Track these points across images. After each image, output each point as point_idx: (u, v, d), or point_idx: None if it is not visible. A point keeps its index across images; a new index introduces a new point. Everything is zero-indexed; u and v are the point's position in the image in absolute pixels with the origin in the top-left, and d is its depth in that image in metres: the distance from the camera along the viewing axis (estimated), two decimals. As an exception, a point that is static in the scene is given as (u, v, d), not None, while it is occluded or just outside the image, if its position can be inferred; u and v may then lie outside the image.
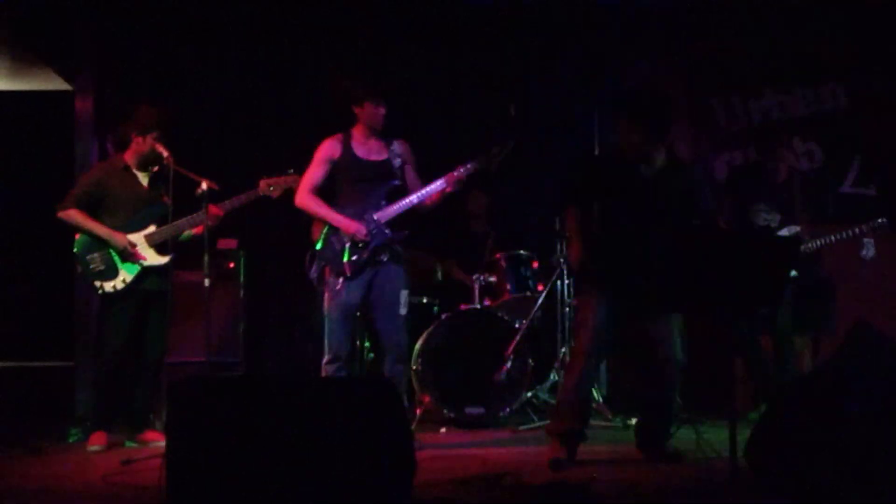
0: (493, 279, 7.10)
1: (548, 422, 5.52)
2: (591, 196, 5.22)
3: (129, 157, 6.06)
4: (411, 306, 7.00)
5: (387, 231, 5.72)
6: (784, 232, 6.58)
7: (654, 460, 5.16)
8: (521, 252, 7.20)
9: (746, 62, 8.18)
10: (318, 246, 5.76)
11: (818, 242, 6.50)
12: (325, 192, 5.85)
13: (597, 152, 8.03)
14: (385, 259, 5.75)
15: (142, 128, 5.98)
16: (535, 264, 7.19)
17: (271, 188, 6.00)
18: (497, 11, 7.89)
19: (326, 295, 5.75)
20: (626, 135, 5.09)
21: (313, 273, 5.77)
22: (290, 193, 5.96)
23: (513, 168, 7.87)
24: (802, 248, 6.40)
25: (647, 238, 4.79)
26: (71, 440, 6.25)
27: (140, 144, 6.00)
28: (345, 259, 5.67)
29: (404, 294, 5.79)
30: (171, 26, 7.73)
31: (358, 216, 5.71)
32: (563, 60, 8.11)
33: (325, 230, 5.75)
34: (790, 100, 8.18)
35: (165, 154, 5.87)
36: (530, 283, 7.13)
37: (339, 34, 7.90)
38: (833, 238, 6.49)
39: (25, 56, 8.15)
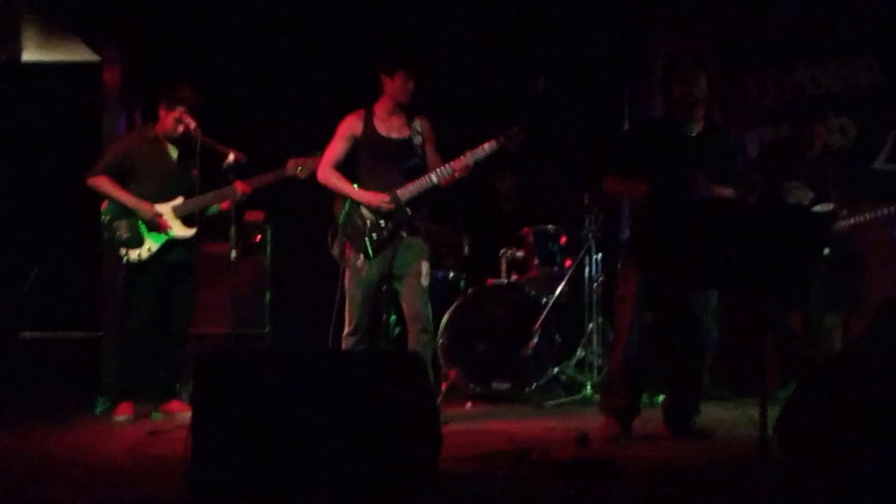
0: (520, 254, 7.05)
1: (599, 397, 5.52)
2: (636, 162, 5.15)
3: (158, 129, 6.05)
4: (438, 281, 7.02)
5: (407, 209, 5.69)
6: (817, 209, 6.49)
7: (681, 437, 5.13)
8: (549, 227, 7.14)
9: (779, 36, 8.07)
10: (341, 221, 5.73)
11: (851, 220, 6.41)
12: (345, 167, 5.82)
13: (626, 127, 7.99)
14: (405, 234, 5.72)
15: (170, 101, 5.96)
16: (563, 239, 7.13)
17: (299, 169, 5.97)
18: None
19: (347, 272, 5.74)
20: (689, 86, 5.05)
21: (335, 249, 5.75)
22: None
23: (541, 143, 7.89)
24: (836, 225, 6.31)
25: (690, 203, 4.82)
26: (98, 411, 6.27)
27: (167, 117, 5.98)
28: (366, 237, 5.64)
29: (425, 265, 5.78)
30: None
31: (380, 192, 5.68)
32: (592, 35, 8.02)
33: (346, 206, 5.73)
34: (823, 73, 8.06)
35: (193, 125, 5.85)
36: (557, 257, 7.08)
37: (370, 9, 7.84)
38: (867, 216, 6.40)
39: (54, 27, 8.14)
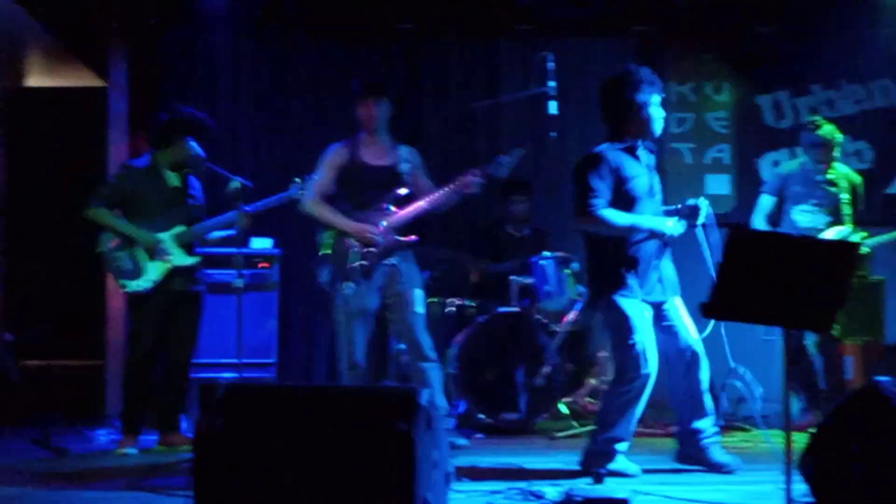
0: (531, 281, 6.93)
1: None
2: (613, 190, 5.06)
3: (160, 157, 5.95)
4: (448, 309, 6.89)
5: (396, 236, 5.59)
6: (830, 234, 6.38)
7: (697, 469, 5.00)
8: (561, 254, 7.01)
9: (794, 59, 7.98)
10: (327, 251, 5.64)
11: (873, 244, 6.30)
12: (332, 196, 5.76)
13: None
14: (395, 262, 5.62)
15: (172, 128, 5.87)
16: (575, 265, 6.99)
17: (302, 192, 5.86)
18: (530, 12, 7.71)
19: (335, 302, 5.62)
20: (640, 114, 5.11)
21: (325, 278, 5.64)
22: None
23: (553, 167, 7.79)
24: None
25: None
26: (100, 443, 6.15)
27: (170, 144, 5.88)
28: (354, 264, 5.54)
29: (419, 293, 5.70)
30: (205, 23, 7.63)
31: (368, 222, 5.60)
32: (605, 57, 7.92)
33: (332, 234, 5.65)
34: (839, 97, 7.97)
35: (197, 154, 5.76)
36: (569, 285, 6.94)
37: (375, 33, 7.76)
38: (886, 240, 6.29)
39: (58, 52, 8.09)
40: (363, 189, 5.66)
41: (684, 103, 8.10)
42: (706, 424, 5.06)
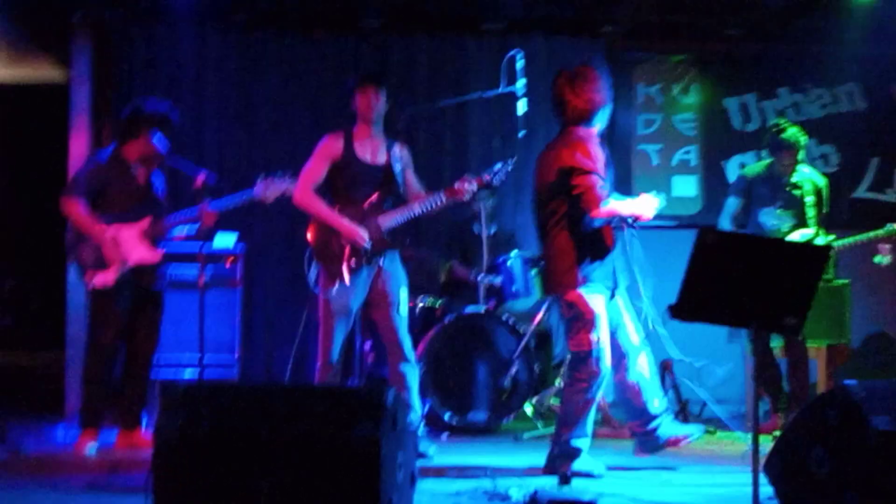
0: (497, 280, 6.89)
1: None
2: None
3: (128, 151, 5.86)
4: (415, 309, 6.85)
5: (387, 239, 5.54)
6: (795, 236, 6.40)
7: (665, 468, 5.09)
8: (528, 253, 6.98)
9: (761, 62, 8.01)
10: (316, 247, 5.57)
11: (837, 247, 6.32)
12: (321, 188, 5.66)
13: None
14: (382, 262, 5.56)
15: (138, 122, 5.78)
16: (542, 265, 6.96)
17: (266, 192, 5.76)
18: (499, 11, 7.68)
19: (321, 298, 5.56)
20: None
21: (312, 275, 5.58)
22: (285, 197, 5.76)
23: (520, 167, 7.76)
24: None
25: None
26: (59, 439, 6.06)
27: (135, 138, 5.79)
28: (343, 263, 5.47)
29: (404, 293, 5.63)
30: (170, 15, 7.53)
31: (358, 220, 5.52)
32: (573, 58, 7.90)
33: (322, 231, 5.55)
34: (806, 101, 8.01)
35: (161, 148, 5.68)
36: (537, 285, 6.91)
37: (342, 28, 7.70)
38: (850, 243, 6.31)
39: (20, 44, 7.97)
40: (355, 186, 5.57)
41: (652, 105, 8.10)
42: (654, 408, 5.09)
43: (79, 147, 7.29)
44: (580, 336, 4.99)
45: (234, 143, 7.58)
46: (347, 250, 5.49)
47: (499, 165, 5.58)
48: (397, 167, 5.62)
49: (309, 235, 5.61)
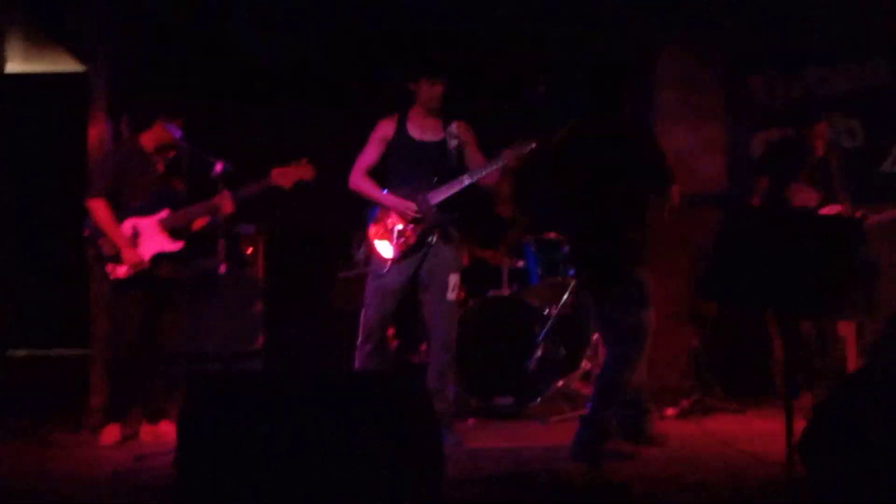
0: (521, 264, 6.83)
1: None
2: None
3: (145, 141, 5.84)
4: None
5: (437, 212, 5.49)
6: (823, 212, 6.31)
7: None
8: (552, 236, 6.92)
9: (787, 37, 7.89)
10: (369, 226, 5.59)
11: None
12: (377, 172, 5.69)
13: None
14: (433, 241, 5.52)
15: (155, 113, 5.76)
16: (566, 248, 6.90)
17: (281, 177, 5.75)
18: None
19: (369, 277, 5.57)
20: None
21: (360, 255, 5.58)
22: (302, 184, 5.76)
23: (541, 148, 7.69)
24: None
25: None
26: (84, 432, 6.04)
27: (153, 129, 5.78)
28: (392, 241, 5.48)
29: (454, 278, 5.58)
30: (186, 5, 7.50)
31: (410, 197, 5.51)
32: (596, 37, 7.82)
33: (375, 210, 5.60)
34: (832, 75, 7.88)
35: (180, 136, 5.65)
36: (560, 267, 6.85)
37: (358, 18, 7.65)
38: (883, 219, 6.22)
39: (39, 37, 7.96)
40: (409, 164, 5.56)
41: (674, 83, 7.99)
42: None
43: (97, 138, 7.28)
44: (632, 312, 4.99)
45: (251, 130, 7.55)
46: (397, 229, 5.49)
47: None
48: (452, 143, 5.59)
49: (366, 217, 5.64)
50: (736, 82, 7.94)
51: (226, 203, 5.60)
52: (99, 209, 5.70)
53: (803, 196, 6.40)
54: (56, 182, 6.03)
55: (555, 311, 6.45)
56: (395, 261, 5.49)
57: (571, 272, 6.70)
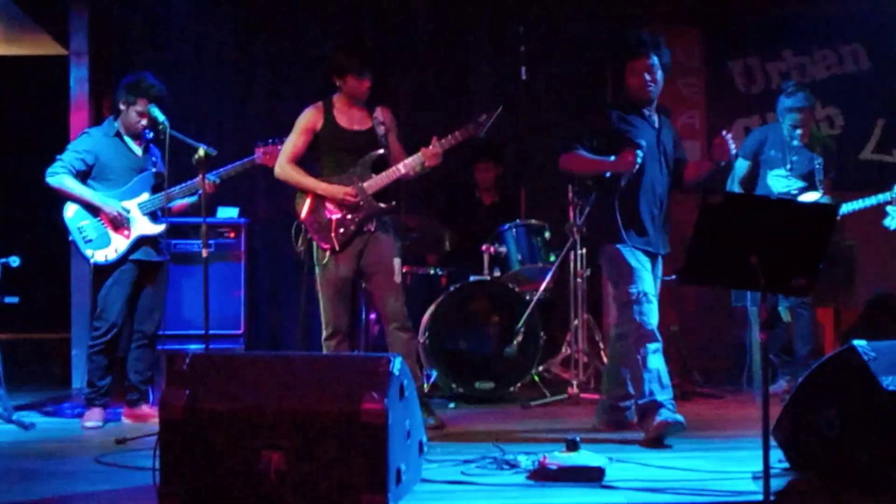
0: (503, 249, 6.86)
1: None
2: (606, 140, 5.16)
3: (122, 124, 5.83)
4: (419, 277, 6.82)
5: (375, 202, 5.48)
6: (805, 199, 6.34)
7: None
8: (533, 221, 6.94)
9: (765, 24, 7.93)
10: (304, 217, 5.52)
11: (844, 210, 6.27)
12: (306, 161, 5.63)
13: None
14: (373, 229, 5.51)
15: (132, 95, 5.74)
16: (547, 234, 6.94)
17: (266, 156, 5.76)
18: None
19: (317, 269, 5.54)
20: (649, 73, 5.13)
21: (301, 246, 5.54)
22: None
23: (523, 134, 7.71)
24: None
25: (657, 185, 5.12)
26: (65, 415, 6.05)
27: (130, 111, 5.76)
28: (332, 231, 5.44)
29: (397, 262, 5.57)
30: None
31: (344, 185, 5.48)
32: (576, 22, 7.85)
33: (309, 201, 5.52)
34: (810, 62, 7.93)
35: (160, 119, 5.63)
36: (541, 253, 6.88)
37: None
38: (860, 207, 6.26)
39: (18, 20, 7.91)
40: (340, 153, 5.53)
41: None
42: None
43: (79, 122, 7.26)
44: None
45: (232, 113, 7.55)
46: (335, 219, 5.46)
47: (483, 116, 5.50)
48: (380, 131, 5.56)
49: (298, 208, 5.56)
50: (716, 68, 7.99)
51: (208, 185, 5.59)
52: (64, 183, 5.68)
53: (785, 183, 6.43)
54: (37, 165, 5.99)
55: (535, 297, 6.49)
56: (335, 251, 5.47)
57: (552, 257, 6.73)
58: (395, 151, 5.60)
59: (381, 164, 5.54)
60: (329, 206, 5.48)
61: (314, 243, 5.52)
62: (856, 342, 3.89)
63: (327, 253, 5.46)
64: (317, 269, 5.53)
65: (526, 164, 7.79)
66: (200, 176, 5.41)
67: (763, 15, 7.92)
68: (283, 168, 5.57)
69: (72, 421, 5.90)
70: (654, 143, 5.19)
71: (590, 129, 5.24)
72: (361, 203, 5.45)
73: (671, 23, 7.98)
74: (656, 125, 5.25)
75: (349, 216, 5.47)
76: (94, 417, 5.73)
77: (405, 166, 5.47)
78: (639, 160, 4.97)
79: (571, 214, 6.67)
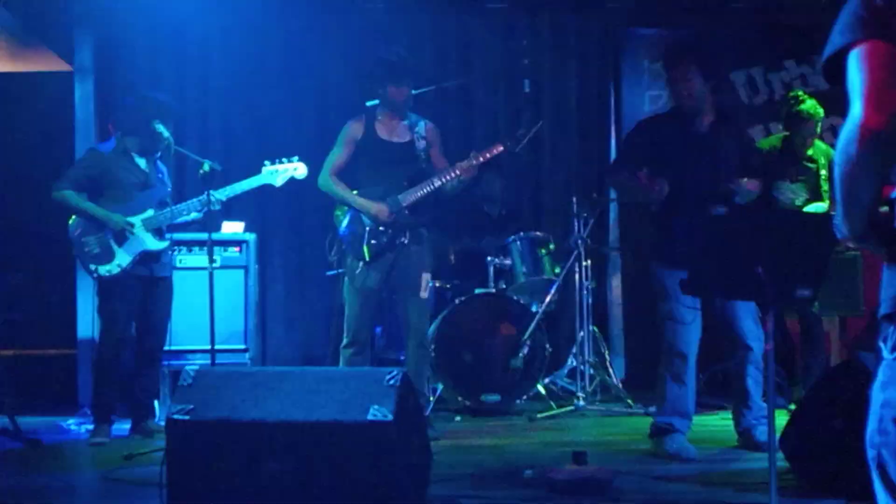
0: (507, 262, 6.86)
1: None
2: (645, 156, 5.07)
3: (129, 141, 5.84)
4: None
5: (409, 214, 5.52)
6: (811, 209, 6.34)
7: (743, 447, 5.04)
8: (538, 233, 6.95)
9: (768, 34, 7.93)
10: (340, 229, 5.60)
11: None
12: (347, 172, 5.69)
13: (612, 127, 7.88)
14: (406, 241, 5.54)
15: (140, 111, 5.75)
16: (552, 246, 6.94)
17: (275, 175, 5.79)
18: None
19: (346, 279, 5.59)
20: (682, 83, 5.01)
21: (333, 256, 5.60)
22: (293, 181, 5.84)
23: (527, 148, 7.71)
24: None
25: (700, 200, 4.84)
26: (72, 431, 6.06)
27: (139, 131, 5.77)
28: (364, 243, 5.47)
29: (426, 277, 5.62)
30: (173, 3, 7.50)
31: (380, 198, 5.52)
32: (576, 36, 7.86)
33: (347, 213, 5.59)
34: (813, 72, 7.93)
35: (165, 136, 5.66)
36: (546, 265, 6.88)
37: (348, 11, 7.65)
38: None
39: (23, 36, 7.93)
40: (379, 165, 5.57)
41: (658, 80, 8.03)
42: None
43: (84, 138, 7.27)
44: None
45: (239, 129, 7.56)
46: (368, 230, 5.51)
47: (522, 131, 5.54)
48: (420, 144, 5.61)
49: (336, 221, 5.64)
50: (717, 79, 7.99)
51: (213, 202, 5.61)
52: (68, 198, 5.70)
53: (790, 194, 6.42)
54: (42, 182, 6.02)
55: (541, 309, 6.49)
56: (368, 262, 5.50)
57: (557, 269, 6.73)
58: (438, 166, 5.64)
59: (419, 177, 5.58)
60: (364, 217, 5.53)
61: (347, 254, 5.58)
62: (862, 353, 3.89)
63: (360, 264, 5.49)
64: (346, 280, 5.57)
65: (530, 177, 7.80)
66: (206, 192, 5.44)
67: (765, 25, 7.92)
68: (326, 180, 5.62)
69: (79, 437, 5.91)
70: (695, 151, 5.05)
71: (627, 148, 5.21)
72: (396, 216, 5.49)
73: (673, 33, 7.99)
74: (703, 132, 5.10)
75: (381, 228, 5.52)
76: (100, 433, 5.73)
77: (439, 178, 5.50)
78: (663, 191, 4.90)
79: (576, 226, 6.68)
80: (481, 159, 5.49)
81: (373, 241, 5.50)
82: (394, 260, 5.54)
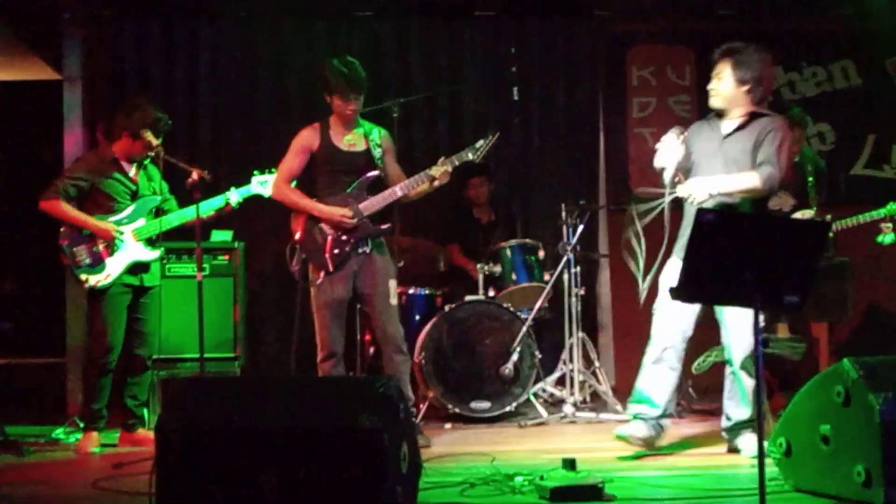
0: (497, 269, 6.87)
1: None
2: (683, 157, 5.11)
3: (118, 150, 5.83)
4: (414, 298, 6.83)
5: (370, 223, 5.50)
6: (797, 216, 6.36)
7: (733, 452, 5.09)
8: (527, 240, 6.96)
9: (755, 41, 7.95)
10: (299, 238, 5.54)
11: (838, 226, 6.30)
12: (302, 181, 5.67)
13: (601, 134, 7.92)
14: (368, 250, 5.52)
15: (130, 120, 5.74)
16: (542, 253, 6.95)
17: (263, 185, 5.80)
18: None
19: (312, 291, 5.55)
20: (714, 80, 5.11)
21: (294, 267, 5.55)
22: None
23: (516, 154, 7.74)
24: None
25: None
26: (61, 441, 6.03)
27: (127, 136, 5.76)
28: (326, 252, 5.45)
29: (392, 284, 5.59)
30: (162, 11, 7.50)
31: (340, 206, 5.49)
32: (565, 44, 7.89)
33: (305, 222, 5.54)
34: (800, 79, 7.97)
35: (155, 144, 5.65)
36: (536, 272, 6.89)
37: (337, 17, 7.66)
38: (852, 222, 6.29)
39: (12, 44, 7.94)
40: (336, 175, 5.54)
41: (646, 87, 8.07)
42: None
43: (73, 146, 7.28)
44: None
45: (229, 138, 7.56)
46: (330, 240, 5.47)
47: (481, 142, 5.54)
48: (377, 152, 5.59)
49: (293, 228, 5.58)
50: (706, 86, 8.00)
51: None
52: (56, 207, 5.68)
53: (777, 200, 6.45)
54: (31, 190, 6.00)
55: (530, 316, 6.49)
56: (330, 272, 5.48)
57: (546, 276, 6.74)
58: (393, 174, 5.63)
59: (377, 186, 5.56)
60: (324, 227, 5.49)
61: (309, 264, 5.53)
62: (849, 359, 3.91)
63: (321, 274, 5.47)
64: (311, 291, 5.54)
65: (519, 184, 7.82)
66: (195, 199, 5.44)
67: (752, 32, 7.94)
68: (280, 188, 5.59)
69: (68, 446, 5.89)
70: (710, 153, 5.08)
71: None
72: (357, 224, 5.47)
73: (661, 40, 8.03)
74: (725, 135, 5.09)
75: (344, 237, 5.48)
76: (90, 442, 5.72)
77: (402, 188, 5.49)
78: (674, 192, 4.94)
79: (565, 233, 6.70)
80: (457, 163, 5.48)
81: (335, 251, 5.48)
82: (357, 269, 5.52)
